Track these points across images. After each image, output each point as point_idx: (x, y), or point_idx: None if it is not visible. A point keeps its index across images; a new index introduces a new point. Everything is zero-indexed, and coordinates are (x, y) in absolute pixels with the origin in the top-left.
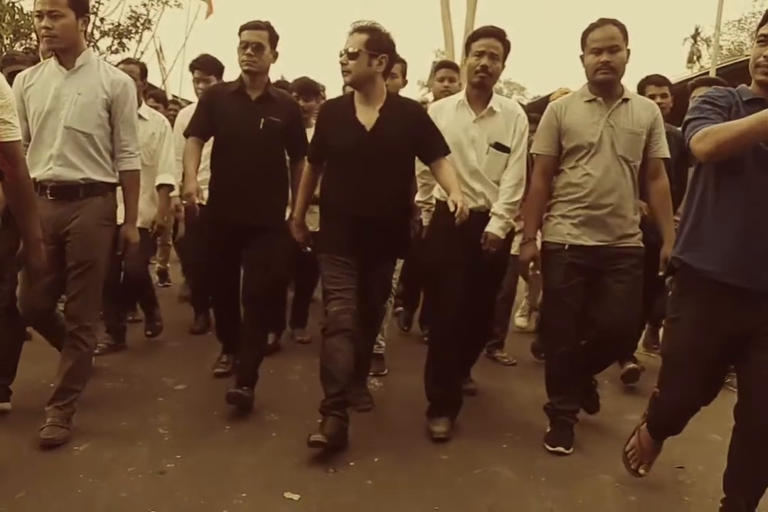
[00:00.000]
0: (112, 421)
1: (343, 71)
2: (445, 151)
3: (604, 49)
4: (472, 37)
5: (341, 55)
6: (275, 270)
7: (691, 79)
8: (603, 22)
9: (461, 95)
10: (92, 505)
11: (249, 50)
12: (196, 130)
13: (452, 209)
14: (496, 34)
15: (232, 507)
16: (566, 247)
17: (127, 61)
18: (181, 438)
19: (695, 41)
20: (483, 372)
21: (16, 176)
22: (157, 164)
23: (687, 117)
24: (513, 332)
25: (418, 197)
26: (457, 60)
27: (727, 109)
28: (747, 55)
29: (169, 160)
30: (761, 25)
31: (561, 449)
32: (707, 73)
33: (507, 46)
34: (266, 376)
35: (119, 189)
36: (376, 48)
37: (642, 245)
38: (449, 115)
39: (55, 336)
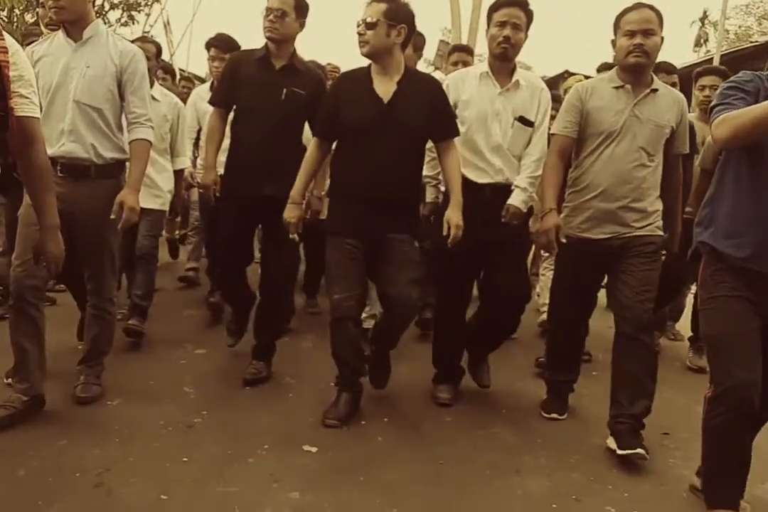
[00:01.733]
0: (140, 381)
1: (360, 42)
2: (456, 132)
3: (639, 31)
4: (494, 7)
5: (358, 25)
6: (291, 252)
7: (696, 64)
8: (639, 5)
9: (484, 66)
10: (129, 452)
11: (271, 16)
12: (220, 99)
13: (445, 232)
14: (518, 3)
15: (257, 457)
16: (584, 239)
17: (143, 40)
18: (205, 397)
19: (702, 24)
20: None
21: (29, 156)
22: (169, 147)
23: (713, 103)
24: None
25: (425, 172)
26: (464, 39)
27: (754, 94)
28: (753, 41)
29: (184, 143)
30: None
31: (555, 415)
32: (711, 59)
33: (530, 16)
34: (281, 344)
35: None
36: (395, 18)
37: (661, 233)
38: (472, 86)
39: (83, 298)
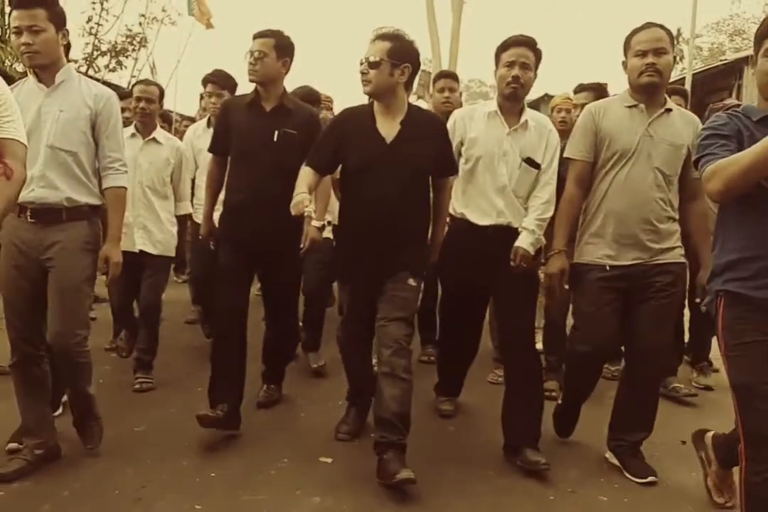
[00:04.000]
0: (160, 409)
1: (363, 80)
2: (455, 170)
3: (650, 51)
4: (502, 47)
5: (361, 64)
6: (293, 299)
7: (672, 82)
8: (649, 24)
9: (493, 105)
10: (161, 471)
11: (251, 59)
12: (215, 147)
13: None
14: (526, 42)
15: (278, 469)
16: (602, 267)
17: (147, 82)
18: None
19: (677, 42)
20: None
21: (12, 176)
22: (169, 191)
23: (696, 155)
24: None
25: None
26: (444, 67)
27: (734, 137)
28: (722, 59)
29: (187, 188)
30: (764, 38)
31: (652, 479)
32: (683, 78)
33: (538, 55)
34: (289, 369)
35: None
36: (398, 57)
37: (683, 260)
38: (480, 124)
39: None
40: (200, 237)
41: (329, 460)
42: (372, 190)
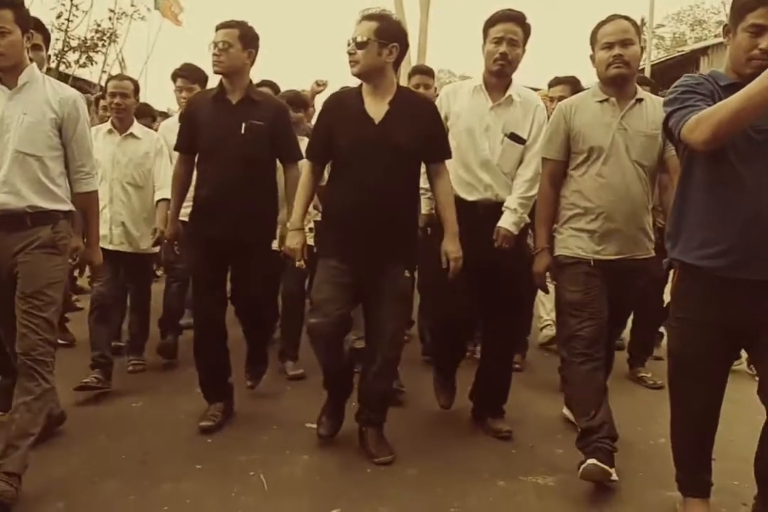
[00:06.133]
0: (154, 387)
1: (350, 61)
2: (448, 154)
3: (616, 42)
4: (490, 22)
5: (348, 45)
6: (265, 290)
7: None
8: (613, 16)
9: (478, 80)
10: (162, 441)
11: (215, 50)
12: (182, 145)
13: (444, 264)
14: (515, 18)
15: (270, 434)
16: (585, 261)
17: (120, 77)
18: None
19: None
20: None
21: None
22: (151, 185)
23: (668, 109)
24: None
25: (420, 184)
26: (413, 61)
27: (710, 96)
28: (680, 50)
29: (167, 177)
30: (746, 12)
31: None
32: (642, 69)
33: (527, 31)
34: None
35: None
36: (386, 36)
37: (653, 253)
38: (464, 99)
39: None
40: (166, 236)
41: (314, 426)
42: (361, 170)
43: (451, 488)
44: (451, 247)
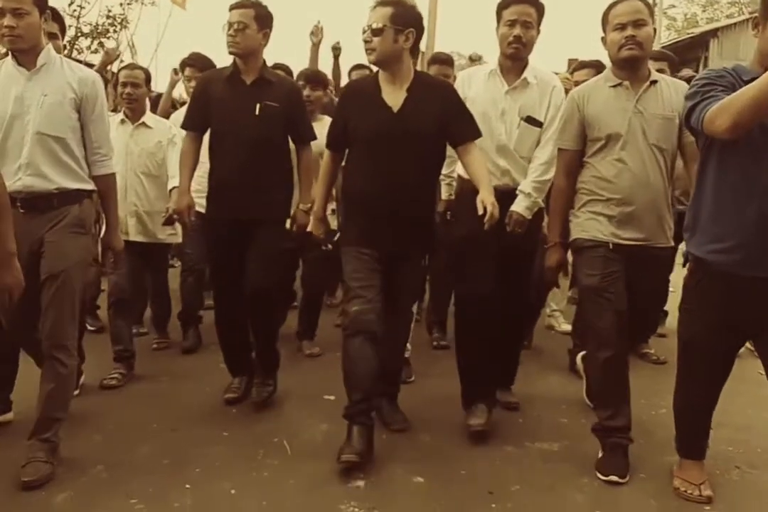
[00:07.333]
0: (179, 364)
1: (366, 49)
2: (475, 134)
3: (629, 23)
4: (503, 4)
5: (364, 32)
6: (277, 268)
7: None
8: None
9: (493, 64)
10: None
11: (231, 31)
12: (191, 123)
13: (480, 212)
14: None
15: (290, 405)
16: (603, 244)
17: (131, 66)
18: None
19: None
20: None
21: None
22: (165, 174)
23: (689, 103)
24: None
25: None
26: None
27: (731, 90)
28: (689, 32)
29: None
30: None
31: (615, 478)
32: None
33: (541, 11)
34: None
35: None
36: (402, 22)
37: (672, 244)
38: (479, 84)
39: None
40: (175, 210)
41: (332, 397)
42: (381, 159)
43: (462, 452)
44: (487, 195)
